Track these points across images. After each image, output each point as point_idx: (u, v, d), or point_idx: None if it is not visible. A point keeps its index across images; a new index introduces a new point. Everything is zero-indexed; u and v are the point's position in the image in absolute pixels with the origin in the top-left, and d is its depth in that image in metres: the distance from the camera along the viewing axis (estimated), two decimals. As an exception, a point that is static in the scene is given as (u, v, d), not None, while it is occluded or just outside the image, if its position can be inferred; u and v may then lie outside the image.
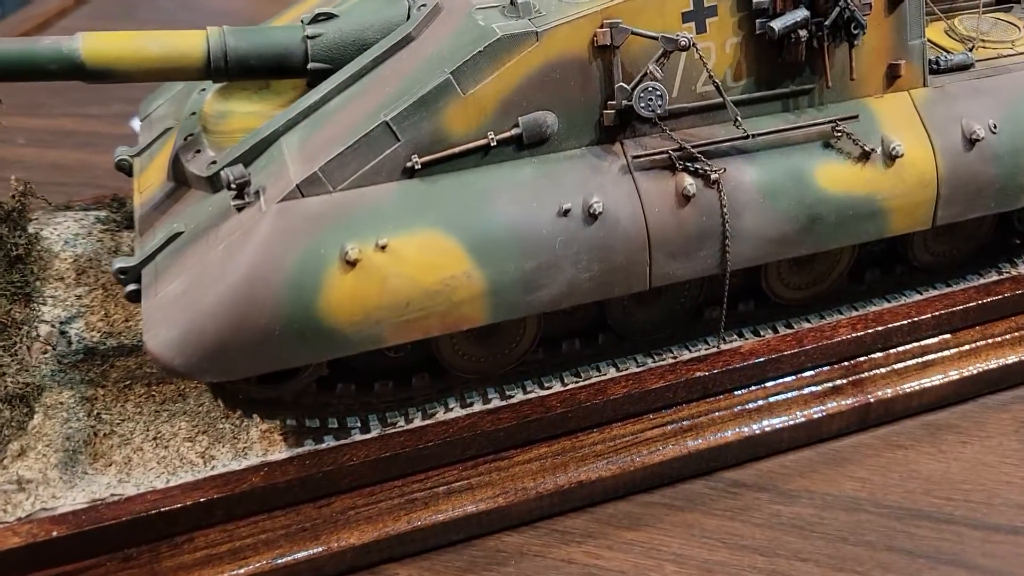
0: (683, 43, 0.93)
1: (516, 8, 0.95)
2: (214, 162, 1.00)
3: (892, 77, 1.05)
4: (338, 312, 0.89)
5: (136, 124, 1.76)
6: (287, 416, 1.00)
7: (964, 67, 1.09)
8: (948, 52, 1.13)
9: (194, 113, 1.10)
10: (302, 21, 1.04)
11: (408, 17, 1.02)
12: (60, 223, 1.30)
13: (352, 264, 0.88)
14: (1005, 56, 1.12)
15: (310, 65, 1.02)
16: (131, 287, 0.97)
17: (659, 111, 0.94)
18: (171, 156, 1.06)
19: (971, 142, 1.04)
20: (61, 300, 1.19)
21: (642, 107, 0.94)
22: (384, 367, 1.05)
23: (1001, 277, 1.19)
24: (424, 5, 1.01)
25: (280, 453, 1.00)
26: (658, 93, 0.94)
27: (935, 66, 1.09)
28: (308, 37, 1.02)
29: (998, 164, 1.05)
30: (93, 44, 0.96)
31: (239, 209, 0.93)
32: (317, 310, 0.89)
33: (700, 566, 1.00)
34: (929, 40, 1.16)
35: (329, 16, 1.03)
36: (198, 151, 1.03)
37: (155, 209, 1.05)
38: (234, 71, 1.01)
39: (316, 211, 0.90)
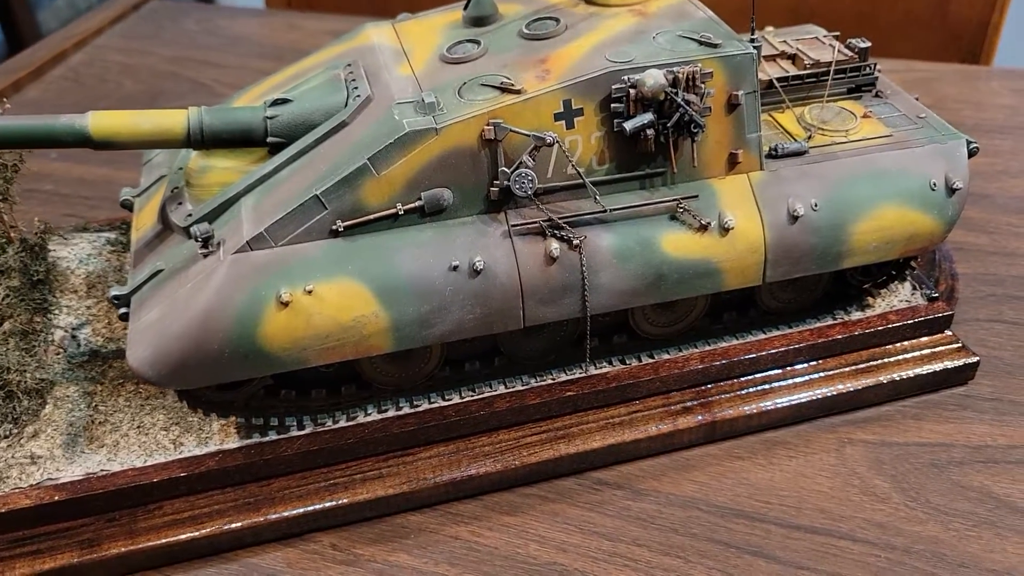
0: (548, 141, 1.19)
1: (424, 106, 1.21)
2: (190, 215, 1.28)
3: (732, 163, 1.30)
4: (272, 341, 1.17)
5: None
6: (238, 415, 1.29)
7: (798, 153, 1.34)
8: (794, 138, 1.38)
9: (181, 168, 1.38)
10: (264, 103, 1.31)
11: (346, 104, 1.29)
12: (76, 244, 1.59)
13: (285, 304, 1.16)
14: (837, 144, 1.36)
15: (269, 139, 1.29)
16: (123, 311, 1.26)
17: (529, 192, 1.20)
18: (160, 204, 1.35)
19: (794, 217, 1.29)
20: (74, 309, 1.48)
21: (516, 188, 1.20)
22: (319, 378, 1.33)
23: (834, 322, 1.44)
24: (359, 96, 1.28)
25: (233, 443, 1.28)
26: (529, 178, 1.20)
27: (773, 152, 1.33)
28: (268, 117, 1.29)
29: (817, 235, 1.30)
30: (98, 122, 1.24)
31: (204, 256, 1.20)
32: (256, 339, 1.16)
33: (557, 547, 1.27)
34: (782, 126, 1.42)
35: (285, 101, 1.30)
36: (180, 203, 1.31)
37: (146, 246, 1.34)
38: (209, 142, 1.29)
39: (260, 262, 1.18)
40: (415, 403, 1.33)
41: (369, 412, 1.32)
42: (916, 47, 2.43)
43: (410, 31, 1.43)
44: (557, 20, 1.35)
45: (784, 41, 1.52)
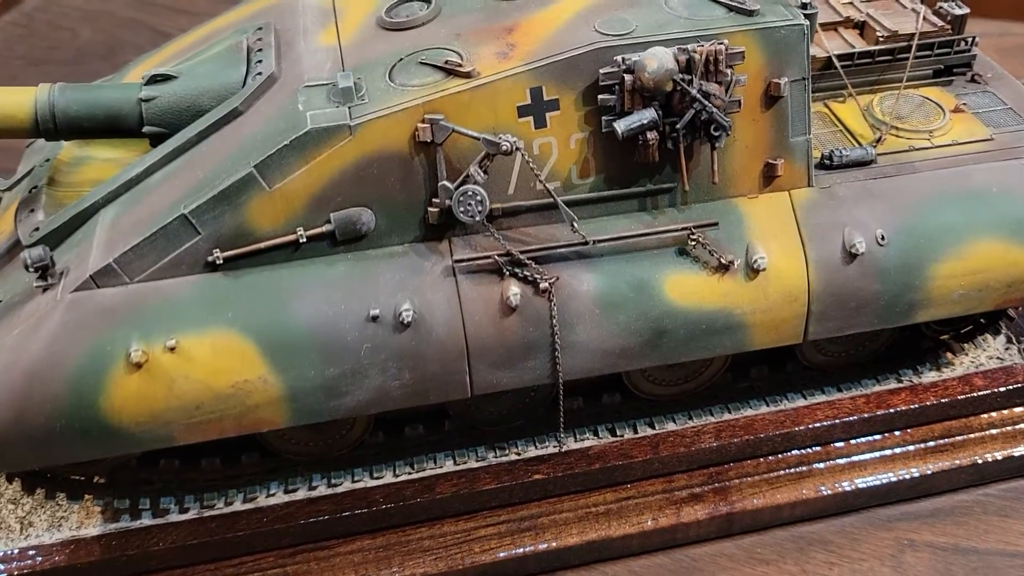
0: (505, 147, 0.85)
1: (338, 93, 0.88)
2: (36, 229, 0.96)
3: (769, 177, 0.94)
4: (122, 413, 0.86)
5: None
6: (94, 496, 0.99)
7: (863, 163, 0.98)
8: (857, 141, 1.02)
9: (48, 160, 1.07)
10: (142, 79, 0.99)
11: (244, 83, 0.96)
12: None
13: (137, 366, 0.85)
14: (916, 150, 1.00)
15: (145, 129, 0.97)
16: (-49, 352, 0.96)
17: (477, 217, 0.87)
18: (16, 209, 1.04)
19: (851, 255, 0.94)
20: (-65, 328, 1.19)
21: (461, 211, 0.87)
22: (212, 444, 1.02)
23: (899, 386, 1.09)
24: (260, 74, 0.95)
25: (93, 528, 0.99)
26: (478, 199, 0.87)
27: (828, 161, 0.98)
28: (143, 100, 0.97)
29: (883, 280, 0.95)
30: (-81, 103, 0.93)
31: (44, 290, 0.89)
32: (99, 410, 0.85)
33: None
34: (841, 123, 1.05)
35: (167, 77, 0.98)
36: (33, 210, 1.00)
37: (-4, 262, 1.03)
38: (65, 131, 0.97)
39: (108, 305, 0.86)
40: (334, 481, 1.02)
41: (273, 492, 1.01)
42: (1016, 4, 2.00)
43: (348, -18, 1.09)
44: (538, -28, 1.00)
45: (851, 3, 1.14)
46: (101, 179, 1.00)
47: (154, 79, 0.98)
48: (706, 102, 0.87)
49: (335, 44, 0.97)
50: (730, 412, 1.07)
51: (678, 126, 0.88)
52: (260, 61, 0.97)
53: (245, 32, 1.04)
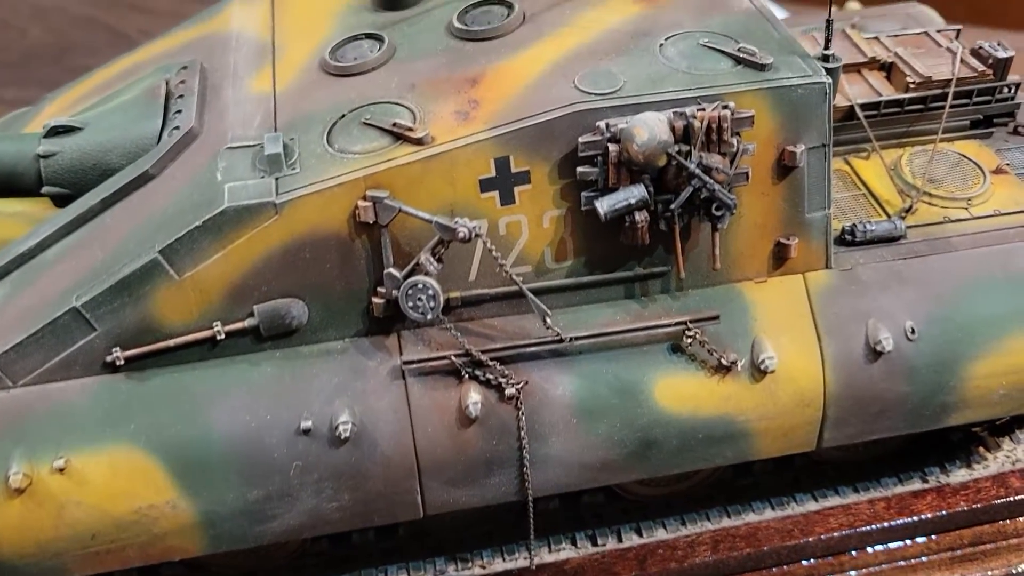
0: (462, 234, 0.70)
1: (265, 161, 0.73)
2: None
3: (780, 258, 0.80)
4: (2, 544, 0.72)
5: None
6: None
7: (890, 239, 0.83)
8: (883, 210, 0.87)
9: (-60, 216, 0.92)
10: (43, 129, 0.84)
11: (160, 139, 0.81)
12: None
13: (19, 491, 0.71)
14: (952, 222, 0.85)
15: (44, 189, 0.83)
16: None
17: (429, 315, 0.72)
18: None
19: (876, 352, 0.79)
20: None
21: (409, 307, 0.72)
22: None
23: (924, 487, 0.94)
24: (177, 128, 0.80)
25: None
26: (430, 293, 0.72)
27: (849, 237, 0.83)
28: (41, 156, 0.82)
29: (912, 380, 0.80)
30: None
31: (-90, 392, 0.75)
32: (-27, 541, 0.72)
33: None
34: (864, 185, 0.91)
35: (70, 129, 0.83)
36: (-85, 281, 0.86)
37: None
38: (-53, 191, 0.83)
39: (-16, 415, 0.72)
40: (266, 602, 0.88)
41: (195, 614, 0.88)
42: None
43: (292, 11, 0.93)
44: (510, 6, 0.84)
45: (875, 38, 0.99)
46: (3, 238, 0.85)
47: (55, 131, 0.83)
48: (707, 178, 0.72)
49: (269, 91, 0.82)
50: (730, 517, 0.92)
51: (673, 206, 0.73)
52: (179, 112, 0.82)
53: (168, 71, 0.89)
